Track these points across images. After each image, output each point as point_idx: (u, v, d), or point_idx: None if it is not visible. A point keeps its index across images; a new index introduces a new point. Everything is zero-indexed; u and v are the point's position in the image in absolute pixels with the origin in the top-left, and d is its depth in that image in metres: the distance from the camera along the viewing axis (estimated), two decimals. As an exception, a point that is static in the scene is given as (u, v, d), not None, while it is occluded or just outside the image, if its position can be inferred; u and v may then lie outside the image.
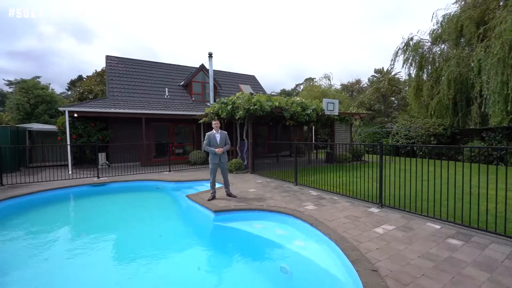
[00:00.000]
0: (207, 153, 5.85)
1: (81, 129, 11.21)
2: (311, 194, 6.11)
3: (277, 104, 9.07)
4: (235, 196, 5.83)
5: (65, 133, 10.93)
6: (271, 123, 16.29)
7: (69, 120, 10.66)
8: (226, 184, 5.95)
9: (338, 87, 37.17)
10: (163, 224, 5.35)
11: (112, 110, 11.15)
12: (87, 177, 9.04)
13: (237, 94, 9.31)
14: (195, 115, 12.83)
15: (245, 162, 9.95)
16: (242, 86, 19.17)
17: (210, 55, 15.38)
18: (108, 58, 15.42)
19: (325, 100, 11.12)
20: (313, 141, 17.16)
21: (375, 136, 20.41)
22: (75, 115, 10.57)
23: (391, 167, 7.87)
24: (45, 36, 71.21)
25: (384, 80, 30.87)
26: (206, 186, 7.76)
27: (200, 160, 12.45)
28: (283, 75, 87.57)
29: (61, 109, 10.41)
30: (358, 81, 39.87)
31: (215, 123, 5.79)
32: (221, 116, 9.61)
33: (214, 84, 16.10)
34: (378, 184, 5.04)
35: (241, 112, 8.54)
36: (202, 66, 16.33)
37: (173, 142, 14.54)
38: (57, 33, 75.15)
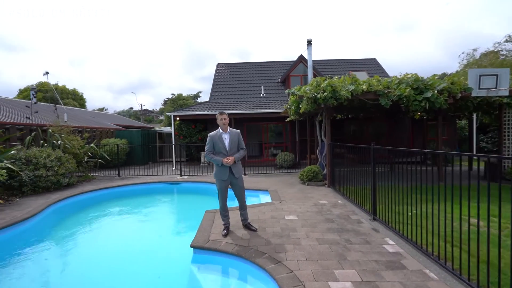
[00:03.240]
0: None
1: (185, 130, 12.76)
2: (383, 249, 3.19)
3: (364, 88, 6.00)
4: (255, 230, 3.91)
5: (176, 134, 12.81)
6: (394, 117, 12.09)
7: (176, 123, 12.35)
8: (242, 211, 4.04)
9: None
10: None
11: (201, 113, 11.84)
12: (174, 175, 9.90)
13: (313, 80, 6.95)
14: (279, 112, 11.39)
15: (324, 171, 7.44)
16: (354, 74, 15.54)
17: (309, 43, 13.27)
18: (218, 65, 16.95)
19: (474, 72, 6.39)
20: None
21: None
22: (177, 118, 12.06)
23: None
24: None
25: None
26: (263, 197, 6.30)
27: (286, 163, 10.91)
28: (442, 55, 66.75)
29: (168, 114, 12.20)
30: None
31: (222, 118, 3.79)
32: (299, 112, 7.64)
33: (315, 75, 13.87)
34: None
35: (304, 103, 6.26)
36: (301, 57, 14.54)
37: (266, 142, 13.82)
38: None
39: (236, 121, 12.58)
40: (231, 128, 3.94)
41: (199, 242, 3.47)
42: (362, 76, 15.23)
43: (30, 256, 3.86)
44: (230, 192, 4.01)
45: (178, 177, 9.47)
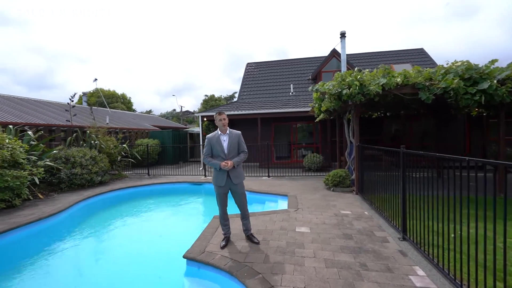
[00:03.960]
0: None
1: (212, 131, 12.85)
2: (408, 281, 2.51)
3: (398, 80, 5.10)
4: (257, 242, 3.50)
5: (204, 135, 12.99)
6: (444, 114, 10.53)
7: (205, 124, 12.51)
8: (244, 220, 3.66)
9: None
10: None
11: (228, 113, 11.72)
12: (199, 175, 9.96)
13: (337, 74, 6.19)
14: (308, 111, 10.68)
15: (353, 176, 6.64)
16: (396, 66, 13.95)
17: (343, 35, 12.20)
18: (248, 65, 16.80)
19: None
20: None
21: None
22: (205, 119, 12.19)
23: None
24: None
25: None
26: (281, 203, 5.87)
27: (314, 165, 10.22)
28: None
29: (196, 114, 12.40)
30: None
31: (220, 118, 3.44)
32: (322, 110, 6.98)
33: (349, 69, 12.78)
34: None
35: (327, 101, 5.60)
36: (334, 51, 13.54)
37: (295, 143, 13.19)
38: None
39: (263, 121, 12.25)
40: (231, 129, 3.59)
41: (193, 252, 3.21)
42: (406, 69, 13.63)
43: (42, 252, 4.05)
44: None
45: (202, 177, 9.49)
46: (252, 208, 6.05)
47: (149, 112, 45.79)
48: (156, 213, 6.43)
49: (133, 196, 7.58)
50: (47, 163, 6.92)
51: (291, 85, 13.86)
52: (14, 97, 11.86)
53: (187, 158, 15.24)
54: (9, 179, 5.40)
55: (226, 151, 3.44)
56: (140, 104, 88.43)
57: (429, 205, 2.81)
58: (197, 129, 17.40)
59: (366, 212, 4.76)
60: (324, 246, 3.35)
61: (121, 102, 34.36)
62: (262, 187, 7.24)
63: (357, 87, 5.09)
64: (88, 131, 9.19)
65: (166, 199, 7.65)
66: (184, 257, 3.16)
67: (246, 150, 3.65)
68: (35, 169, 6.30)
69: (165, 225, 5.70)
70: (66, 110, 9.22)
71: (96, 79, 17.37)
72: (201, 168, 11.60)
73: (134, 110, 39.58)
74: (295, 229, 3.98)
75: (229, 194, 3.60)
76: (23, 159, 5.96)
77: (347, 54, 14.48)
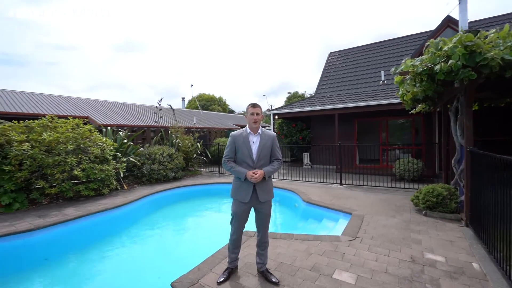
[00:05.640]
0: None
1: (285, 129, 12.05)
2: None
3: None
4: (275, 283, 2.54)
5: (278, 134, 12.41)
6: None
7: (278, 122, 11.88)
8: (261, 250, 2.72)
9: None
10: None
11: (296, 110, 10.62)
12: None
13: (430, 41, 4.05)
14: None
15: (462, 196, 4.35)
16: None
17: (462, -5, 8.84)
18: (330, 55, 14.95)
19: None
20: None
21: None
22: (276, 117, 11.52)
23: None
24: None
25: None
26: (337, 225, 4.58)
27: (409, 174, 7.79)
28: None
29: (268, 112, 11.92)
30: None
31: (253, 112, 2.63)
32: (405, 99, 5.00)
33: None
34: None
35: (411, 85, 3.74)
36: (448, 19, 9.95)
37: (386, 143, 10.61)
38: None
39: (342, 117, 10.48)
40: (264, 129, 2.74)
41: (182, 282, 2.59)
42: None
43: (91, 243, 4.46)
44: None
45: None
46: (293, 226, 4.97)
47: (245, 113, 49.49)
48: (211, 212, 6.33)
49: (196, 194, 7.83)
50: (130, 159, 8.07)
51: (382, 72, 11.22)
52: (120, 103, 14.84)
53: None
54: (97, 172, 6.47)
55: (254, 156, 2.61)
56: (239, 105, 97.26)
57: None
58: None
59: (474, 264, 2.83)
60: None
61: (217, 104, 38.60)
62: (323, 198, 5.91)
63: (460, 58, 3.10)
64: (170, 131, 10.31)
65: (215, 201, 7.52)
66: (171, 284, 2.59)
67: (281, 158, 2.77)
68: (119, 164, 7.40)
69: (214, 227, 5.41)
70: (154, 113, 10.68)
71: (192, 85, 19.86)
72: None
73: (232, 111, 43.73)
74: (333, 274, 2.71)
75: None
76: (110, 155, 7.07)
77: (470, 22, 10.59)
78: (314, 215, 5.22)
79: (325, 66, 14.21)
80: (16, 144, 5.55)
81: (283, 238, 3.61)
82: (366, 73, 12.10)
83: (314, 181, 8.24)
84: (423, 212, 4.57)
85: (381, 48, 13.01)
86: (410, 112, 6.57)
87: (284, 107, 11.78)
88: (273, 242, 3.46)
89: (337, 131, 10.08)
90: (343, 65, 13.57)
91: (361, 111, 9.69)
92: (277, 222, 5.67)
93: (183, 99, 19.84)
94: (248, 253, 3.12)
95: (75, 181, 6.32)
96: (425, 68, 3.47)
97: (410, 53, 11.62)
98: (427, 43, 3.79)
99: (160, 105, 10.18)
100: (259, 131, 2.67)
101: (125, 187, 7.69)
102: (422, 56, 3.78)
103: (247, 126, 2.72)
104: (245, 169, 2.56)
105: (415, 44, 11.93)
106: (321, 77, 13.58)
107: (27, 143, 5.64)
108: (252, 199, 2.59)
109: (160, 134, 10.43)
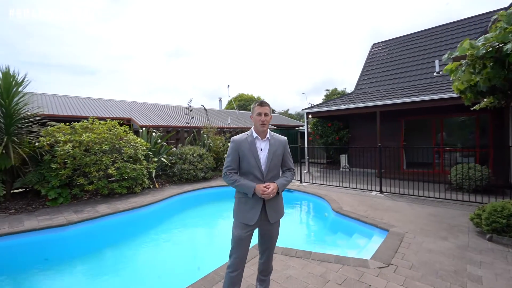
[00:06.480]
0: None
1: (320, 129, 11.25)
2: None
3: None
4: None
5: (311, 134, 11.69)
6: None
7: (313, 122, 11.18)
8: (264, 276, 2.33)
9: None
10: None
11: (331, 108, 9.77)
12: (296, 180, 8.87)
13: (500, 13, 3.11)
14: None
15: (547, 219, 3.27)
16: None
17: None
18: (374, 46, 13.53)
19: None
20: None
21: None
22: (310, 116, 10.81)
23: None
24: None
25: None
26: (369, 244, 3.92)
27: (470, 183, 6.48)
28: None
29: (301, 111, 11.26)
30: None
31: (260, 112, 2.14)
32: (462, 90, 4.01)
33: None
34: None
35: (467, 73, 2.88)
36: (528, -8, 8.02)
37: (440, 146, 9.10)
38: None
39: (385, 115, 9.33)
40: (273, 133, 2.30)
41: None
42: None
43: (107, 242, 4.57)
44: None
45: (298, 183, 8.37)
46: (318, 239, 4.39)
47: (286, 111, 48.45)
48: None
49: (221, 196, 7.70)
50: (161, 159, 8.33)
51: (437, 61, 9.64)
52: (161, 104, 15.60)
53: (297, 158, 14.43)
54: (129, 171, 6.79)
55: (263, 167, 2.15)
56: (280, 105, 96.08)
57: None
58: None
59: None
60: None
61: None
62: (356, 208, 5.18)
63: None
64: (202, 131, 10.45)
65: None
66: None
67: (294, 167, 2.35)
68: (150, 164, 7.67)
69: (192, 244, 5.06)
70: (185, 114, 10.94)
71: (228, 86, 20.15)
72: (305, 171, 10.40)
73: (273, 111, 43.45)
74: (351, 313, 2.17)
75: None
76: (142, 155, 7.37)
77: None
78: (343, 228, 4.57)
79: (367, 59, 12.89)
80: (60, 144, 6.09)
81: (298, 257, 3.13)
82: (416, 64, 10.56)
83: (350, 187, 7.42)
84: (487, 236, 3.59)
85: (435, 34, 11.23)
86: (472, 109, 5.38)
87: (318, 106, 10.99)
88: (286, 261, 3.03)
89: (379, 130, 8.98)
90: (387, 56, 12.13)
91: (409, 108, 8.44)
92: (300, 234, 5.15)
93: (220, 99, 20.28)
94: (254, 272, 2.74)
95: (110, 179, 6.72)
96: (490, 49, 2.62)
97: (473, 35, 9.76)
98: (493, 17, 2.89)
99: (190, 106, 10.38)
100: (268, 135, 2.22)
101: (157, 186, 7.96)
102: (487, 35, 2.90)
103: (252, 129, 2.27)
104: (253, 182, 2.11)
105: (480, 27, 9.99)
106: (362, 71, 12.35)
107: (69, 144, 6.15)
108: (260, 220, 2.13)
109: (192, 134, 10.65)
